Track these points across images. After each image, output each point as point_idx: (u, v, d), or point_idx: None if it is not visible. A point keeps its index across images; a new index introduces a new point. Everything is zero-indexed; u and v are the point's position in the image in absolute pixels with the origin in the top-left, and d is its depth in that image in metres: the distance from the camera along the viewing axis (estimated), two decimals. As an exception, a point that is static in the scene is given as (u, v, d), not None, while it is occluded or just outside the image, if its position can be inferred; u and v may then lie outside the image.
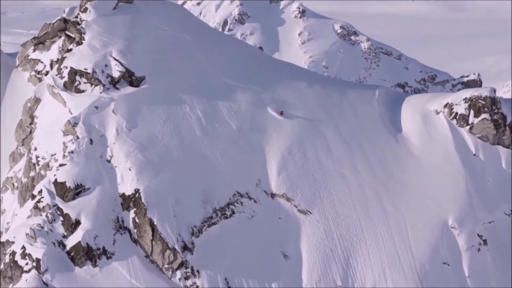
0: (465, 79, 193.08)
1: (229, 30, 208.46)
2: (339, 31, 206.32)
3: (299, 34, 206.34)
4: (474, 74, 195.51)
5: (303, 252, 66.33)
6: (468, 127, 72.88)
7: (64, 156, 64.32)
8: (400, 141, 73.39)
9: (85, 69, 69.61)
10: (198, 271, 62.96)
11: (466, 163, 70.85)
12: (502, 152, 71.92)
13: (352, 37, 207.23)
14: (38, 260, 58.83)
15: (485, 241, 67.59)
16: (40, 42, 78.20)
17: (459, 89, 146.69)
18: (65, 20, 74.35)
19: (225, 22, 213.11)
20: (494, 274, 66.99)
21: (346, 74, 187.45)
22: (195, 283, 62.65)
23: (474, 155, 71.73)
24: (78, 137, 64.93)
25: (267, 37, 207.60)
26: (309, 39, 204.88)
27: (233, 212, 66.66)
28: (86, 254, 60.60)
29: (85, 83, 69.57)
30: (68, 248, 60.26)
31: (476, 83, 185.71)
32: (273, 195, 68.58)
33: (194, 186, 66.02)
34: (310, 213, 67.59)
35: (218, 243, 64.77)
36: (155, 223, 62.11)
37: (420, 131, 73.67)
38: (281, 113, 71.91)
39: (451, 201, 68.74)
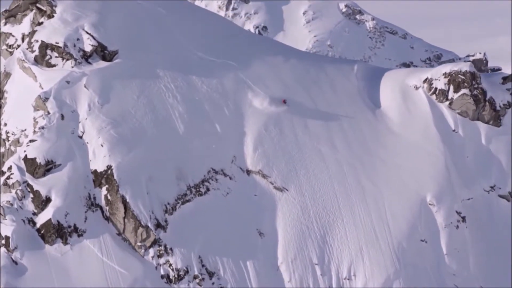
0: (471, 58, 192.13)
1: (233, 9, 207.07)
2: (344, 10, 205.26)
3: (304, 13, 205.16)
4: (480, 53, 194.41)
5: (279, 229, 66.18)
6: (447, 102, 72.79)
7: (34, 132, 63.88)
8: (379, 117, 73.24)
9: (56, 43, 68.95)
10: (171, 249, 62.75)
11: (445, 139, 70.76)
12: (481, 128, 71.90)
13: (357, 16, 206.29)
14: (7, 238, 58.55)
15: (463, 218, 67.64)
16: (11, 15, 77.34)
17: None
18: (36, -8, 73.39)
19: (229, 1, 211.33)
20: (472, 251, 67.16)
21: (351, 53, 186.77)
22: (168, 261, 62.47)
23: (454, 131, 71.62)
24: (49, 113, 64.42)
25: (271, 16, 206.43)
26: (314, 18, 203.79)
27: (207, 189, 66.39)
28: (57, 232, 60.25)
29: (56, 57, 68.91)
30: (38, 225, 60.14)
31: (482, 63, 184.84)
32: (248, 172, 68.41)
33: (168, 163, 65.74)
34: (287, 190, 67.34)
35: (192, 221, 64.59)
36: (127, 200, 61.84)
37: (399, 107, 73.49)
38: (284, 101, 71.20)
39: (430, 178, 68.64)
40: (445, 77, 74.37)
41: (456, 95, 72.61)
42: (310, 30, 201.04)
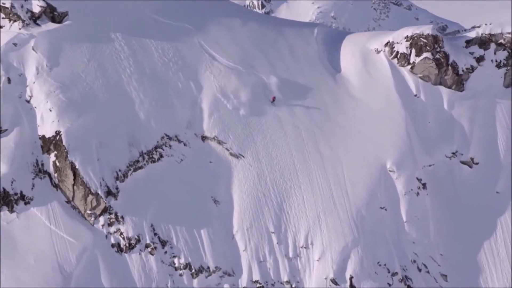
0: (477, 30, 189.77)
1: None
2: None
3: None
4: (486, 24, 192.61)
5: (235, 197, 65.91)
6: (409, 66, 72.40)
7: (-21, 96, 62.64)
8: (339, 81, 72.82)
9: (3, 3, 67.94)
10: (122, 217, 62.27)
11: (406, 104, 70.50)
12: (444, 93, 71.64)
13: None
14: (-51, 205, 57.34)
15: (424, 185, 67.48)
16: (-45, -25, 75.75)
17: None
18: (-18, -48, 72.04)
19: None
20: (433, 219, 67.20)
21: (355, 25, 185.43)
22: (119, 229, 62.00)
23: (415, 95, 71.37)
24: (-5, 76, 63.18)
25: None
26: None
27: (161, 156, 65.90)
28: (3, 199, 59.96)
29: (3, 18, 67.95)
30: (-17, 193, 58.70)
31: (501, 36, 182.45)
32: (204, 138, 68.06)
33: (119, 128, 65.22)
34: (243, 156, 66.93)
35: (144, 188, 64.15)
36: (77, 167, 61.24)
37: (359, 71, 73.07)
38: (274, 99, 70.28)
39: (390, 144, 68.46)
40: (407, 41, 73.92)
41: (418, 59, 72.21)
42: (314, 2, 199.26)
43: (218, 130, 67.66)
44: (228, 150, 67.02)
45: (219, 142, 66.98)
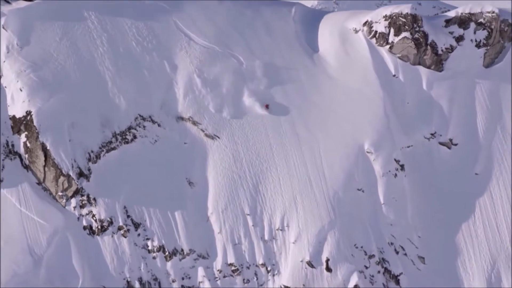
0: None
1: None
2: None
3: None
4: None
5: (210, 178, 65.53)
6: (388, 46, 71.95)
7: None
8: (317, 61, 72.28)
9: (-29, -19, 66.53)
10: (94, 199, 61.83)
11: (384, 84, 70.16)
12: (423, 73, 71.23)
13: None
14: None
15: (402, 166, 67.19)
16: None
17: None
18: None
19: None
20: (411, 200, 66.94)
21: (357, 9, 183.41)
22: (91, 211, 61.62)
23: (394, 75, 70.91)
24: (-37, 55, 62.47)
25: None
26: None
27: (134, 137, 65.58)
28: (-29, 181, 58.47)
29: (-28, -4, 66.49)
30: (-50, 174, 58.12)
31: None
32: (178, 119, 66.73)
33: (92, 109, 64.84)
34: (218, 137, 66.58)
35: (117, 170, 63.77)
36: (48, 148, 60.74)
37: (337, 51, 72.57)
38: (267, 106, 69.50)
39: (368, 125, 68.18)
40: (385, 20, 73.39)
41: (396, 39, 71.73)
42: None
43: (193, 110, 67.18)
44: (203, 131, 66.58)
45: (194, 123, 66.47)
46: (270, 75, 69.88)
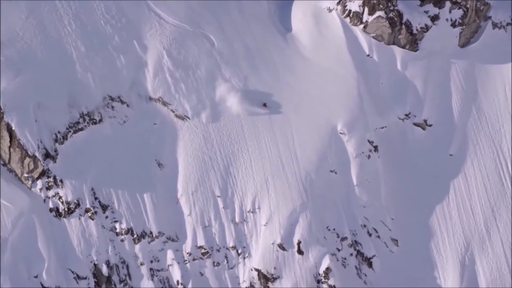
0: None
1: None
2: None
3: None
4: None
5: (180, 160, 65.16)
6: (362, 25, 71.49)
7: None
8: (290, 41, 71.74)
9: None
10: (61, 181, 61.40)
11: (358, 64, 69.77)
12: (397, 53, 70.77)
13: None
14: None
15: (376, 148, 66.97)
16: None
17: None
18: None
19: None
20: (384, 182, 66.78)
21: None
22: (57, 193, 61.15)
23: (368, 55, 70.47)
24: None
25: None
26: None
27: (102, 117, 64.38)
28: None
29: None
30: None
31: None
32: (148, 99, 66.43)
33: (59, 88, 64.47)
34: (189, 118, 65.48)
35: (84, 151, 63.51)
36: (13, 128, 60.43)
37: (311, 31, 71.99)
38: (265, 105, 68.90)
39: (341, 105, 67.91)
40: (359, -1, 72.52)
41: (371, 18, 71.14)
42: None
43: (163, 91, 66.75)
44: (173, 112, 66.13)
45: (164, 104, 66.00)
46: (242, 55, 69.41)
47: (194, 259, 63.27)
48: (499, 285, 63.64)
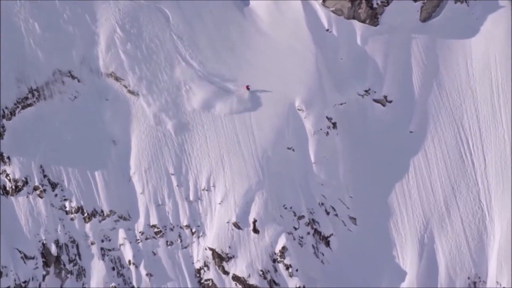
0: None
1: None
2: None
3: None
4: None
5: (132, 137, 64.41)
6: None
7: None
8: (247, 16, 70.80)
9: None
10: (8, 158, 60.59)
11: (317, 39, 68.85)
12: (357, 27, 69.93)
13: None
14: None
15: (334, 124, 66.15)
16: None
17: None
18: None
19: None
20: (343, 159, 66.12)
21: None
22: (4, 171, 60.39)
23: (327, 30, 69.63)
24: None
25: None
26: None
27: (52, 93, 62.78)
28: None
29: None
30: None
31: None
32: (100, 74, 65.50)
33: (6, 63, 64.01)
34: (142, 94, 64.14)
35: (33, 127, 62.40)
36: (-44, 104, 58.09)
37: (269, 5, 71.27)
38: (248, 88, 67.56)
39: (299, 81, 67.13)
40: (319, -28, 71.54)
41: (330, -8, 69.83)
42: None
43: (115, 65, 65.77)
44: (126, 87, 65.17)
45: (117, 79, 64.96)
46: (198, 29, 68.46)
47: (146, 238, 62.33)
48: (458, 263, 62.75)
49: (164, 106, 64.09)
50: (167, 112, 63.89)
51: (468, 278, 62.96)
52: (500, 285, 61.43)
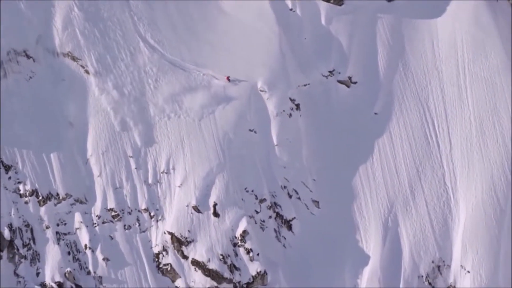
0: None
1: None
2: None
3: None
4: None
5: (90, 118, 63.43)
6: (284, -22, 69.04)
7: None
8: (210, -4, 69.02)
9: None
10: (-41, 140, 58.19)
11: (281, 19, 68.34)
12: (321, 7, 69.37)
13: None
14: None
15: (298, 106, 65.44)
16: None
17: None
18: None
19: None
20: (306, 142, 65.50)
21: None
22: (-45, 153, 58.09)
23: (291, 9, 69.08)
24: None
25: None
26: None
27: (6, 72, 61.77)
28: None
29: None
30: None
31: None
32: (56, 54, 64.85)
33: (-43, 42, 60.40)
34: (100, 74, 63.56)
35: (-14, 108, 60.05)
36: None
37: (231, -16, 69.30)
38: (228, 78, 66.35)
39: (262, 62, 66.76)
40: (282, -50, 70.51)
41: (290, -30, 68.87)
42: None
43: (72, 45, 64.86)
44: (83, 67, 64.26)
45: (74, 59, 64.05)
46: (157, 7, 67.21)
47: (103, 222, 61.62)
48: (422, 247, 62.12)
49: (123, 87, 62.47)
50: (126, 93, 62.25)
51: (432, 261, 62.22)
52: (465, 269, 60.53)
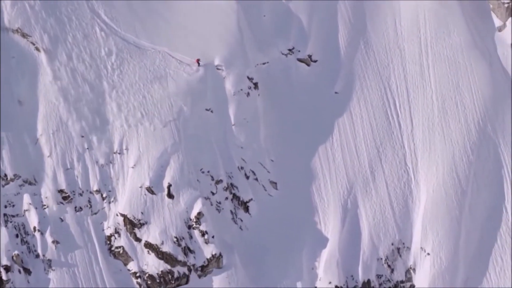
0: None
1: None
2: None
3: None
4: None
5: (40, 97, 61.85)
6: (242, -47, 67.94)
7: None
8: (166, -29, 67.80)
9: None
10: None
11: (239, -5, 66.16)
12: (282, -17, 67.50)
13: None
14: None
15: (256, 85, 64.80)
16: None
17: None
18: None
19: None
20: (264, 121, 64.92)
21: None
22: None
23: (250, -14, 66.94)
24: None
25: None
26: None
27: (-48, 50, 59.95)
28: None
29: None
30: None
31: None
32: (4, 30, 64.27)
33: None
34: (51, 51, 62.76)
35: None
36: None
37: (187, -43, 68.15)
38: (198, 61, 65.11)
39: (219, 39, 66.08)
40: None
41: None
42: None
43: (22, 21, 63.19)
44: (34, 44, 63.18)
45: (24, 35, 62.78)
46: (111, -16, 65.22)
47: (53, 204, 59.23)
48: (382, 229, 61.35)
49: (75, 64, 61.04)
50: (78, 70, 60.88)
51: (392, 244, 61.70)
52: (425, 251, 59.93)
